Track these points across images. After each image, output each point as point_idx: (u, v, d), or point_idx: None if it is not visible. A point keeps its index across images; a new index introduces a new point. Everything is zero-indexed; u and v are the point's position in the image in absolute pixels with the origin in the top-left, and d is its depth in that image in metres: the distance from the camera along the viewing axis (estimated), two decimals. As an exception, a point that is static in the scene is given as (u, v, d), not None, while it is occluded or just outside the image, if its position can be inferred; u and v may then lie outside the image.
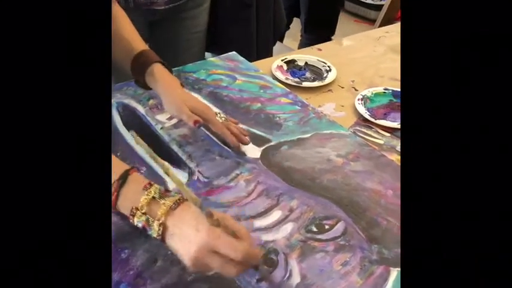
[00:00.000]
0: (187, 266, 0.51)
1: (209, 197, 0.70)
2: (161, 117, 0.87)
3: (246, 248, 0.51)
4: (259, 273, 0.58)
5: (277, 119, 0.88)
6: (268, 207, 0.68)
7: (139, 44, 0.82)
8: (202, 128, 0.82)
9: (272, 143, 0.82)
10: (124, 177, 0.54)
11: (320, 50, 1.16)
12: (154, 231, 0.52)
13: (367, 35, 1.27)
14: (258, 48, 1.32)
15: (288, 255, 0.61)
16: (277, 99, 0.94)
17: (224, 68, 1.03)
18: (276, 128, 0.85)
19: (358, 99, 0.93)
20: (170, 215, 0.52)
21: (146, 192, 0.53)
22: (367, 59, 1.13)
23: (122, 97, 0.91)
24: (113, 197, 0.53)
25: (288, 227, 0.65)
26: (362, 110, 0.91)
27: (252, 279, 0.58)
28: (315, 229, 0.65)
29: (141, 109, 0.89)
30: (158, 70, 0.80)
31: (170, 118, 0.87)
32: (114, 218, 0.65)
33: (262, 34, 1.33)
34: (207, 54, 1.31)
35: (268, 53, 1.39)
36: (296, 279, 0.58)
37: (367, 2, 3.06)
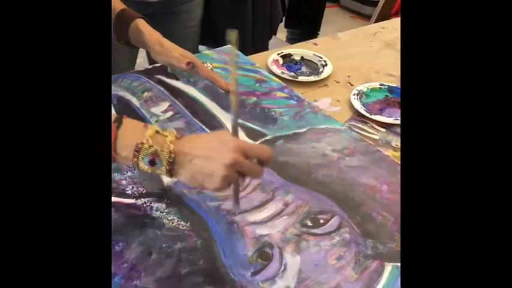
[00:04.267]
0: (218, 180, 0.53)
1: (204, 191, 0.69)
2: (156, 110, 0.86)
3: (269, 150, 0.57)
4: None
5: (273, 113, 0.88)
6: (264, 201, 0.68)
7: (118, 3, 0.86)
8: (196, 120, 0.82)
9: (267, 138, 0.81)
10: (119, 120, 0.54)
11: (316, 44, 1.16)
12: (164, 160, 0.52)
13: (363, 31, 1.26)
14: (253, 42, 1.32)
15: (283, 249, 0.61)
16: (272, 94, 0.93)
17: (219, 61, 1.03)
18: (272, 122, 0.85)
19: (354, 94, 0.93)
20: (180, 142, 0.54)
21: (149, 127, 0.54)
22: (363, 54, 1.13)
23: (116, 89, 0.91)
24: (112, 141, 0.53)
25: (283, 221, 0.65)
26: (358, 105, 0.91)
27: (246, 272, 0.58)
28: (309, 223, 0.65)
29: (135, 101, 0.88)
30: (142, 24, 0.84)
31: (165, 111, 0.86)
32: (108, 211, 0.65)
33: (258, 28, 1.32)
34: (201, 47, 1.30)
35: (264, 47, 1.39)
36: (291, 272, 0.58)
37: (362, -3, 3.06)
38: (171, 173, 0.53)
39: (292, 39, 2.16)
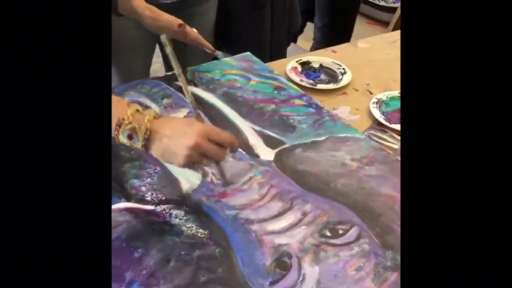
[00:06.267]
0: (181, 159, 0.58)
1: (222, 199, 0.69)
2: (175, 116, 0.87)
3: (232, 137, 0.63)
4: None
5: (292, 121, 0.87)
6: (282, 211, 0.68)
7: None
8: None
9: (286, 146, 0.81)
10: None
11: (335, 52, 1.16)
12: (140, 136, 0.58)
13: (382, 38, 1.26)
14: (271, 49, 1.32)
15: (302, 259, 0.61)
16: (291, 101, 0.93)
17: (238, 68, 1.03)
18: (290, 130, 0.85)
19: (373, 103, 0.93)
20: (156, 122, 0.59)
21: (131, 106, 0.59)
22: (382, 62, 1.12)
23: (135, 95, 0.92)
24: None
25: (302, 231, 0.65)
26: (377, 114, 0.90)
27: (265, 282, 0.58)
28: (328, 234, 0.65)
29: (155, 108, 0.89)
30: None
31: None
32: (127, 217, 0.66)
33: (276, 34, 1.32)
34: (219, 53, 1.30)
35: (282, 54, 1.39)
36: (310, 283, 0.58)
37: (380, 4, 3.05)
38: (146, 147, 0.59)
39: (317, 49, 2.11)
